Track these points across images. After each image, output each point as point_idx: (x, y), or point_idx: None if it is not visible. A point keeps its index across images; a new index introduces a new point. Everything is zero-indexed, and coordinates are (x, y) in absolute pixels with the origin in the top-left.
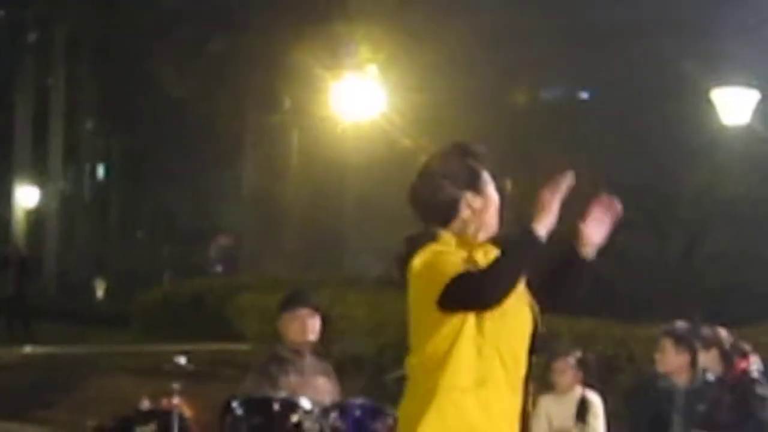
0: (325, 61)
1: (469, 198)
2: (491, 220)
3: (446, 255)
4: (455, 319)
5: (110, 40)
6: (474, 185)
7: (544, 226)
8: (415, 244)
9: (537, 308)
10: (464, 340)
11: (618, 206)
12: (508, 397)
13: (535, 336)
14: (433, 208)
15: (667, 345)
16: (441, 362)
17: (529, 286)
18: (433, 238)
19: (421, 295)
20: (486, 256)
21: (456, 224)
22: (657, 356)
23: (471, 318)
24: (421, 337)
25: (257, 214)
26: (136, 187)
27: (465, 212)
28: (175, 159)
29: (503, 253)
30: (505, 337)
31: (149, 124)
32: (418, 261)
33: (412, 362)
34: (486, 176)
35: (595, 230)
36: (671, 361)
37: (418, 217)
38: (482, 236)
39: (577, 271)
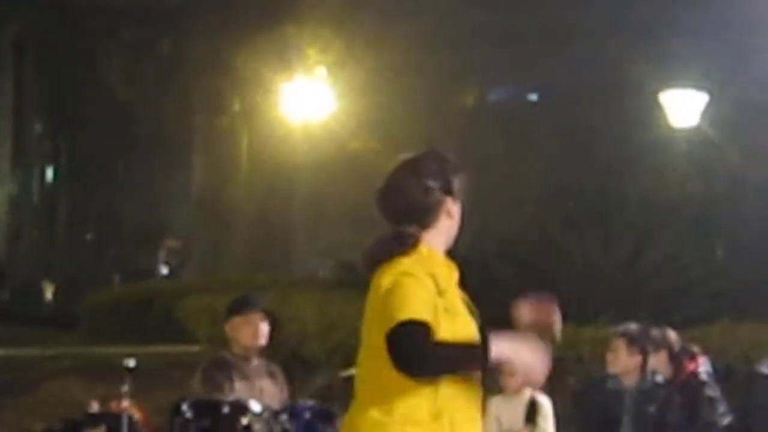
0: (274, 63)
1: (449, 203)
2: (456, 230)
3: (413, 288)
4: None
5: (58, 42)
6: (452, 192)
7: (496, 357)
8: (390, 247)
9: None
10: None
11: (554, 317)
12: (466, 427)
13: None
14: (408, 210)
15: (620, 346)
16: (394, 390)
17: None
18: (408, 243)
19: (376, 317)
20: (448, 281)
21: (432, 229)
22: (609, 357)
23: None
24: (371, 355)
25: (206, 217)
26: (85, 190)
27: (443, 217)
28: (123, 161)
29: (449, 345)
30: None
31: (97, 126)
32: (387, 281)
33: (360, 374)
34: (460, 190)
35: (527, 316)
36: (623, 362)
37: (390, 218)
38: (447, 245)
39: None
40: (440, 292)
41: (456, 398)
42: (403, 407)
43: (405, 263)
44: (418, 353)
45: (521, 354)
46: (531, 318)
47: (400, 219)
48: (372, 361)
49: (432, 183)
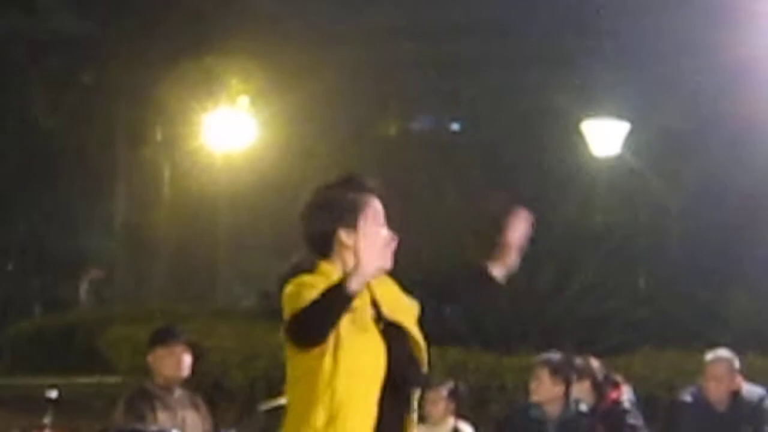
0: (196, 92)
1: (342, 235)
2: (369, 257)
3: (308, 288)
4: (311, 360)
5: None
6: (348, 221)
7: (357, 283)
8: (293, 271)
9: (422, 345)
10: (321, 379)
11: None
12: None
13: (415, 372)
14: (308, 239)
15: (543, 375)
16: (295, 401)
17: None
18: (311, 267)
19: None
20: (359, 299)
21: (335, 258)
22: (532, 386)
23: (327, 357)
24: (290, 374)
25: (129, 247)
26: (6, 219)
27: (338, 248)
28: (45, 191)
29: (314, 301)
30: (356, 379)
31: (19, 155)
32: (288, 290)
33: (287, 397)
34: (369, 211)
35: (518, 238)
36: (546, 391)
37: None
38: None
39: (487, 291)
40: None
41: (352, 412)
42: (301, 414)
43: (306, 276)
44: (294, 319)
45: (368, 258)
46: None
47: (306, 247)
48: (289, 377)
49: (318, 213)
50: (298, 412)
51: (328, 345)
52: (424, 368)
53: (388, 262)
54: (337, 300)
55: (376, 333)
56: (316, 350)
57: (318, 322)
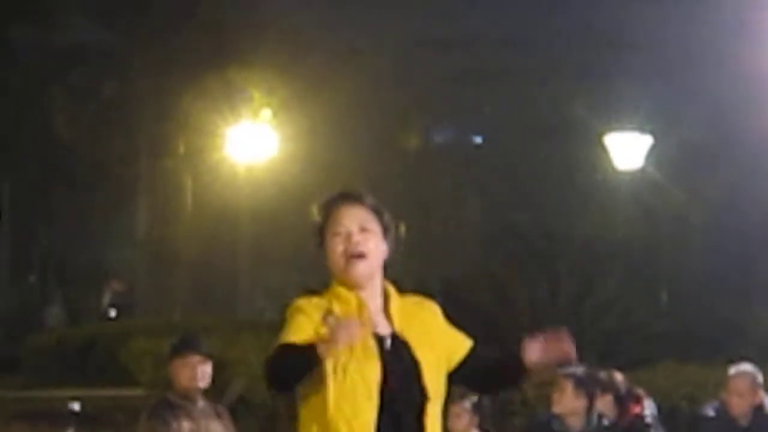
0: (219, 106)
1: (321, 252)
2: (341, 270)
3: (297, 314)
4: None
5: (2, 81)
6: (319, 239)
7: (322, 352)
8: (307, 290)
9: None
10: (315, 395)
11: (570, 348)
12: None
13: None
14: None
15: (567, 387)
16: (303, 422)
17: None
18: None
19: None
20: (345, 306)
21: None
22: (554, 396)
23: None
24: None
25: (150, 259)
26: (28, 232)
27: (327, 256)
28: (67, 204)
29: (283, 355)
30: (349, 400)
31: (41, 167)
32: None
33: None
34: (331, 229)
35: (537, 353)
36: (569, 403)
37: None
38: (358, 283)
39: (510, 374)
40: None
41: (346, 428)
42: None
43: (302, 299)
44: (266, 362)
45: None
46: (541, 355)
47: None
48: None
49: (313, 235)
50: (301, 428)
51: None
52: (429, 386)
53: (357, 339)
54: (300, 363)
55: (373, 351)
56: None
57: (278, 377)
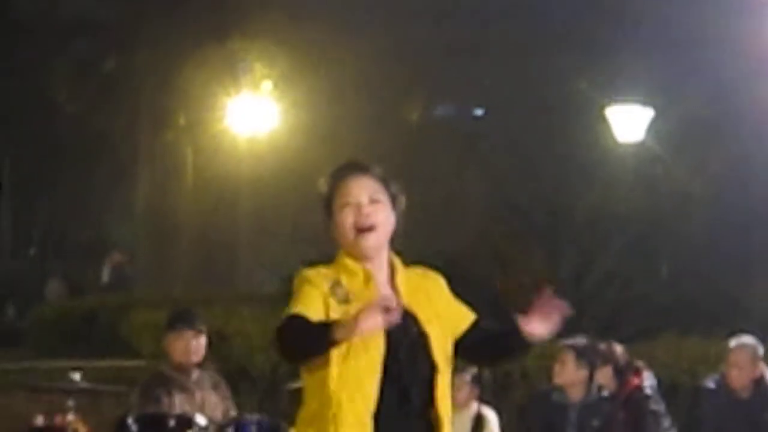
0: (219, 77)
1: (328, 224)
2: (366, 322)
3: (305, 285)
4: None
5: (1, 54)
6: (326, 211)
7: (343, 336)
8: (314, 261)
9: (437, 335)
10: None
11: (562, 305)
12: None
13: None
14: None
15: (568, 358)
16: (306, 392)
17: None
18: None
19: None
20: (359, 290)
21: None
22: (556, 367)
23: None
24: None
25: (151, 231)
26: (28, 204)
27: (332, 228)
28: (67, 176)
29: (305, 328)
30: (352, 373)
31: (42, 140)
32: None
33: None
34: (340, 200)
35: (538, 327)
36: (570, 374)
37: None
38: (367, 256)
39: (512, 346)
40: (344, 301)
41: (349, 403)
42: (304, 400)
43: (311, 269)
44: (278, 333)
45: (361, 325)
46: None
47: None
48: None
49: (320, 206)
50: (304, 399)
51: None
52: (438, 357)
53: (383, 324)
54: (318, 342)
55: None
56: None
57: (292, 351)
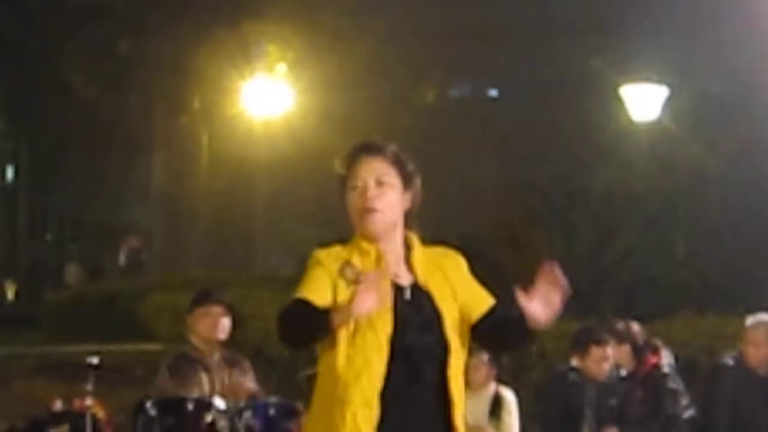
0: (234, 60)
1: (345, 191)
2: (363, 302)
3: (314, 267)
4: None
5: (17, 40)
6: (341, 191)
7: (339, 321)
8: (330, 241)
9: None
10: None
11: (564, 283)
12: (360, 412)
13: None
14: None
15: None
16: (321, 373)
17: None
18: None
19: None
20: (365, 258)
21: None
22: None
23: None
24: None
25: (167, 215)
26: (45, 189)
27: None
28: (83, 160)
29: (304, 313)
30: (359, 352)
31: (57, 125)
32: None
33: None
34: (350, 182)
35: (541, 310)
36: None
37: None
38: (375, 236)
39: (518, 331)
40: (353, 281)
41: (356, 383)
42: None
43: (323, 250)
44: (279, 319)
45: (354, 308)
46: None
47: None
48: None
49: (340, 172)
50: (318, 381)
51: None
52: (451, 337)
53: (380, 304)
54: (316, 328)
55: (386, 303)
56: None
57: (291, 337)
